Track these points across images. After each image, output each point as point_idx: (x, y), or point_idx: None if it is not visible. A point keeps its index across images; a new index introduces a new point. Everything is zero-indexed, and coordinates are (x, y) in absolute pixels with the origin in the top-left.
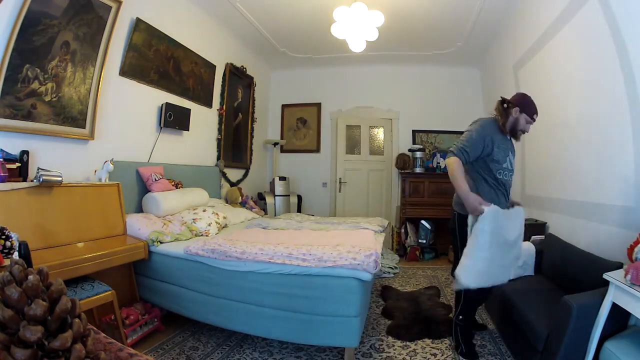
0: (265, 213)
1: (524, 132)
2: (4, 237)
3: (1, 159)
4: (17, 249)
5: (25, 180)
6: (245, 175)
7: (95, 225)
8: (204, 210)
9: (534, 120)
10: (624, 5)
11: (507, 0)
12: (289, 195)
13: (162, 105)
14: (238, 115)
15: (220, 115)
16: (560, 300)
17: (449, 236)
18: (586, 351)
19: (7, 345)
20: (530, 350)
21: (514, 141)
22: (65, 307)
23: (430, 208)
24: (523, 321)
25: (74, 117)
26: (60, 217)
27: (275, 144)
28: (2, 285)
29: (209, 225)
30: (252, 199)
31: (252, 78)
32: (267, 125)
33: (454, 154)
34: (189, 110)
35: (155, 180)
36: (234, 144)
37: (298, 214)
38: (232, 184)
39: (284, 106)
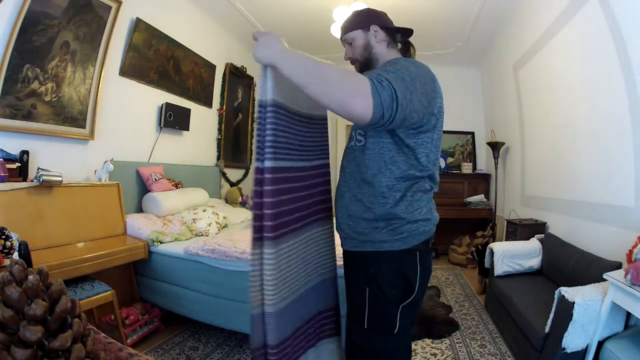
0: None
1: None
2: (4, 237)
3: (1, 159)
4: (17, 249)
5: (25, 180)
6: (245, 175)
7: (95, 225)
8: (204, 210)
9: None
10: (624, 5)
11: (507, 0)
12: None
13: (162, 105)
14: (238, 115)
15: (220, 115)
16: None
17: (449, 235)
18: (586, 351)
19: (7, 345)
20: (530, 349)
21: None
22: (65, 307)
23: None
24: (523, 321)
25: (74, 117)
26: (60, 217)
27: None
28: (2, 285)
29: (209, 225)
30: (252, 199)
31: (252, 78)
32: None
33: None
34: (189, 110)
35: (155, 180)
36: (234, 144)
37: None
38: (232, 184)
39: None
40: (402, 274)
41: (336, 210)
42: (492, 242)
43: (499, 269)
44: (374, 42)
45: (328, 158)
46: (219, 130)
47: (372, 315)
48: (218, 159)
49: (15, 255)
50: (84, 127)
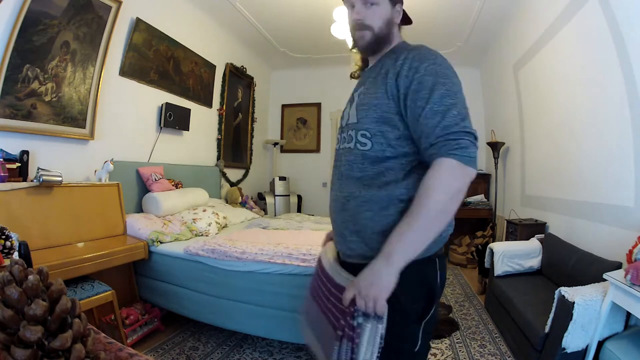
0: (265, 213)
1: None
2: (4, 237)
3: (1, 159)
4: (17, 249)
5: (25, 180)
6: (245, 175)
7: (95, 225)
8: (204, 210)
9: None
10: (624, 5)
11: (507, 0)
12: (289, 195)
13: (162, 105)
14: (238, 115)
15: (220, 115)
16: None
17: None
18: (586, 351)
19: (7, 345)
20: (530, 349)
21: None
22: (65, 307)
23: None
24: (523, 321)
25: (74, 117)
26: (60, 217)
27: (275, 144)
28: (2, 285)
29: (209, 225)
30: (252, 199)
31: (252, 78)
32: (267, 125)
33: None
34: (189, 110)
35: (155, 180)
36: (234, 144)
37: (298, 214)
38: (232, 184)
39: (284, 106)
40: (425, 284)
41: (336, 224)
42: (492, 242)
43: (499, 269)
44: (395, 21)
45: None
46: (219, 130)
47: (393, 334)
48: (218, 159)
49: (15, 255)
50: (84, 127)
